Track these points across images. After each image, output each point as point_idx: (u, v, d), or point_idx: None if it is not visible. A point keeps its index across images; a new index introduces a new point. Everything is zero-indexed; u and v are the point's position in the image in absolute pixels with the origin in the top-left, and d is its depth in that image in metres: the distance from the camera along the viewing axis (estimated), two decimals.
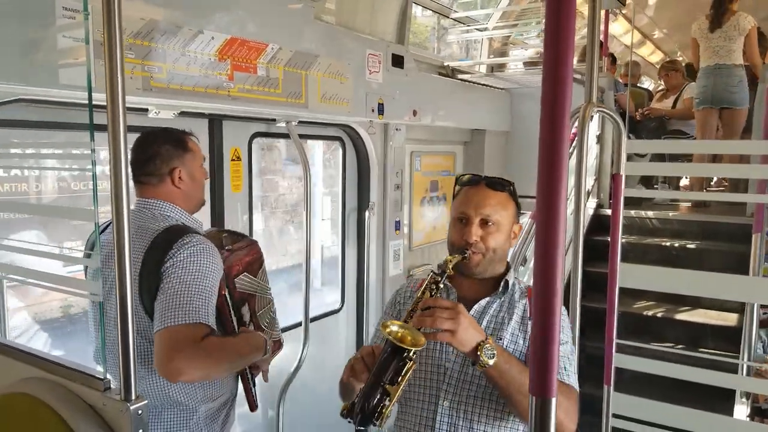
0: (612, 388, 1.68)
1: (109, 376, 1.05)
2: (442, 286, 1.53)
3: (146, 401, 1.00)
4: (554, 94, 0.83)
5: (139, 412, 0.99)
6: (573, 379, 1.57)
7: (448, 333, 1.37)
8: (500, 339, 1.59)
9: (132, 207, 1.75)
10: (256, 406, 2.10)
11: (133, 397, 1.00)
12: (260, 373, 2.12)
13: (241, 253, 2.03)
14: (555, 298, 0.83)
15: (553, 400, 0.75)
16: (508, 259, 1.74)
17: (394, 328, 1.35)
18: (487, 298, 1.65)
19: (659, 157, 5.31)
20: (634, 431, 1.38)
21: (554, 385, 0.75)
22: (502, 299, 1.66)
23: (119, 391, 1.00)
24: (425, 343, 1.34)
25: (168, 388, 1.72)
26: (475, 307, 1.64)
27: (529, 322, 1.61)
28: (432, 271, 1.57)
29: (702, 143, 3.75)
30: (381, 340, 1.59)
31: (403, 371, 1.33)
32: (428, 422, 1.58)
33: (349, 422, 1.34)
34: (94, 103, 1.10)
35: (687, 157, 5.87)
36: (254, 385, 2.07)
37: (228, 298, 1.90)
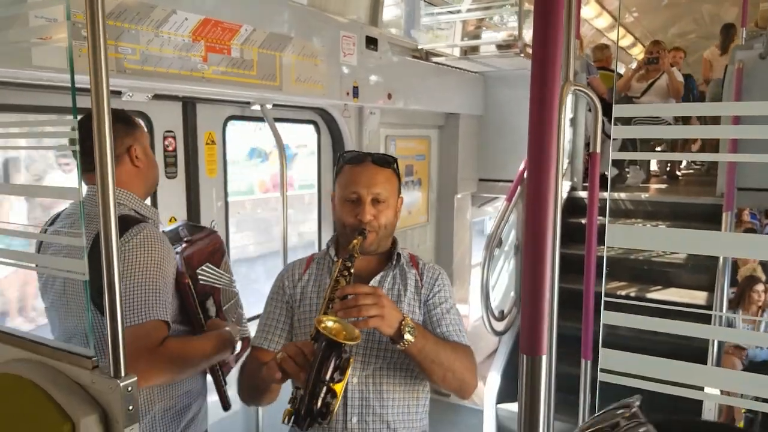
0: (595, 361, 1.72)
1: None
2: (352, 271, 1.52)
3: (135, 378, 0.99)
4: (543, 74, 0.84)
5: (129, 388, 0.98)
6: (466, 339, 1.64)
7: (377, 318, 1.36)
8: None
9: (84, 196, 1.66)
10: (229, 405, 2.00)
11: (123, 374, 0.99)
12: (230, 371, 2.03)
13: (202, 243, 1.94)
14: (543, 268, 0.85)
15: (543, 358, 0.79)
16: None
17: (330, 324, 1.30)
18: (381, 273, 1.68)
19: (631, 140, 5.42)
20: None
21: (543, 344, 0.79)
22: (394, 272, 1.70)
23: (108, 368, 0.99)
24: (360, 336, 1.32)
25: None
26: (372, 282, 1.66)
27: (422, 290, 1.68)
28: (339, 258, 1.58)
29: (677, 129, 3.84)
30: (283, 334, 1.66)
31: (344, 366, 1.30)
32: (341, 400, 1.57)
33: (291, 426, 1.29)
34: (64, 84, 1.07)
35: (657, 142, 6.01)
36: (226, 383, 1.97)
37: (192, 289, 1.80)
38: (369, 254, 1.67)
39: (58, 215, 1.82)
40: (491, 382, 4.01)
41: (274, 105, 3.20)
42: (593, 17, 8.63)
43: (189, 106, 2.91)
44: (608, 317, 1.04)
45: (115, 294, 0.97)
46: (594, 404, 1.82)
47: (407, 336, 1.40)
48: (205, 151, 3.02)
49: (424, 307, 1.67)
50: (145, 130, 1.92)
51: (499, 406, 3.94)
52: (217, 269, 1.95)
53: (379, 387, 1.60)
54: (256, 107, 3.13)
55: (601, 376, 1.09)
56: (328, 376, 1.26)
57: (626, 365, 1.03)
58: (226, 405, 2.00)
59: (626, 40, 11.54)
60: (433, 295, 1.68)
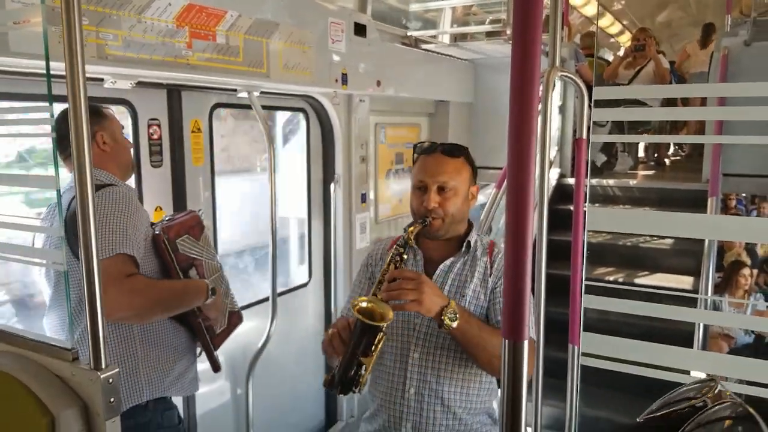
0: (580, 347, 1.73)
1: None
2: (405, 257, 1.63)
3: (117, 369, 0.98)
4: (524, 58, 0.84)
5: (110, 380, 0.97)
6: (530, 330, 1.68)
7: (414, 302, 1.49)
8: (463, 296, 1.72)
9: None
10: (219, 367, 2.14)
11: (103, 366, 0.97)
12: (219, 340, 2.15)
13: (179, 219, 2.10)
14: (525, 252, 0.84)
15: (525, 343, 0.79)
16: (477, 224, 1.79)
17: (363, 305, 1.47)
18: (452, 258, 1.77)
19: (618, 128, 5.43)
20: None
21: (525, 329, 0.79)
22: (465, 258, 1.77)
23: (88, 360, 0.98)
24: (393, 317, 1.46)
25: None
26: (441, 267, 1.76)
27: (489, 279, 1.75)
28: (396, 245, 1.67)
29: (663, 110, 3.85)
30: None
31: (375, 343, 1.46)
32: (401, 372, 1.72)
33: (332, 392, 1.48)
34: (43, 71, 1.05)
35: (645, 128, 6.03)
36: (215, 347, 2.11)
37: (170, 251, 1.94)
38: (437, 239, 1.76)
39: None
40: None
41: (262, 92, 3.16)
42: (582, 5, 8.61)
43: (174, 93, 2.87)
44: (589, 301, 1.05)
45: (94, 285, 0.95)
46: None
47: (447, 321, 1.52)
48: (191, 140, 2.98)
49: (491, 294, 1.74)
50: (116, 119, 2.10)
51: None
52: (196, 241, 2.08)
53: (437, 365, 1.70)
54: (243, 94, 3.09)
55: (583, 360, 1.09)
56: (359, 351, 1.44)
57: (608, 349, 1.04)
58: (215, 366, 2.13)
59: (614, 28, 11.53)
60: (500, 284, 1.73)
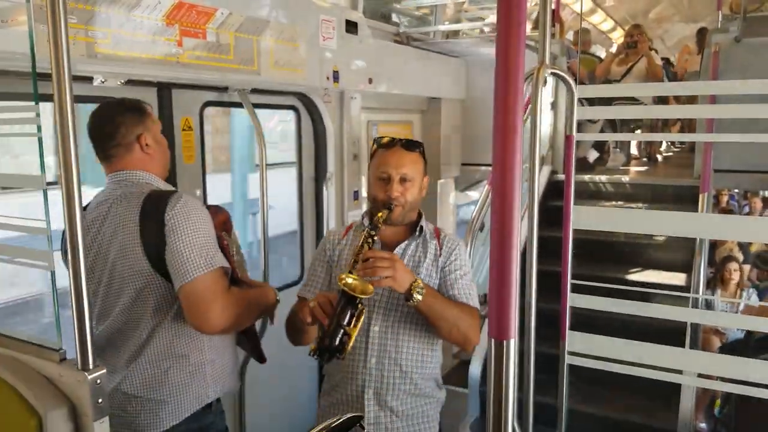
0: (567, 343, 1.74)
1: (64, 347, 1.02)
2: (376, 239, 1.83)
3: (104, 370, 0.97)
4: (507, 52, 0.84)
5: (98, 381, 0.96)
6: (474, 302, 1.93)
7: (389, 279, 1.67)
8: (418, 274, 1.88)
9: (107, 182, 1.81)
10: (265, 359, 2.16)
11: (91, 366, 0.97)
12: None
13: (215, 215, 2.05)
14: (510, 251, 0.84)
15: (512, 341, 0.79)
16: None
17: (349, 281, 1.62)
18: (406, 241, 1.97)
19: (611, 123, 5.44)
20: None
21: (512, 329, 0.79)
22: (418, 241, 1.98)
23: (76, 361, 0.97)
24: (373, 292, 1.64)
25: (174, 341, 1.77)
26: (397, 249, 1.94)
27: (440, 258, 1.96)
28: (365, 228, 1.86)
29: (652, 109, 3.86)
30: (323, 286, 1.96)
31: (357, 314, 1.64)
32: (362, 344, 1.88)
33: (316, 359, 1.63)
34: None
35: (637, 124, 6.04)
36: (261, 337, 2.14)
37: (228, 248, 1.95)
38: (396, 225, 1.95)
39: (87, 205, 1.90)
40: (474, 366, 4.04)
41: (253, 90, 3.15)
42: (573, 1, 8.62)
43: (164, 91, 2.85)
44: (574, 300, 1.05)
45: (81, 287, 0.95)
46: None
47: (416, 295, 1.71)
48: (182, 138, 2.97)
49: (441, 272, 1.94)
50: (155, 117, 1.99)
51: (483, 389, 3.97)
52: (230, 236, 2.08)
53: (396, 336, 1.89)
54: (234, 92, 3.08)
55: (570, 359, 1.10)
56: (344, 322, 1.60)
57: (594, 348, 1.04)
58: (262, 358, 2.15)
59: (607, 24, 11.55)
60: (449, 263, 1.95)
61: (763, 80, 1.26)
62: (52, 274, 1.05)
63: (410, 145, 1.96)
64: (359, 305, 1.64)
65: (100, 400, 0.97)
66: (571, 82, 1.76)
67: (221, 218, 2.07)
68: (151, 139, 1.88)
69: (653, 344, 1.10)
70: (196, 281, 1.62)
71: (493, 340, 0.80)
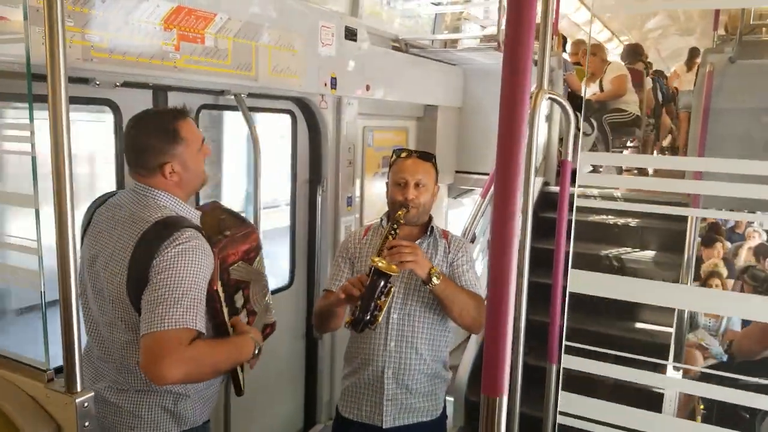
0: (561, 373, 1.75)
1: (51, 368, 1.01)
2: (399, 231, 2.12)
3: (92, 393, 0.97)
4: (513, 84, 0.85)
5: (85, 404, 0.96)
6: (480, 291, 2.23)
7: (412, 262, 1.97)
8: None
9: (131, 186, 1.75)
10: (242, 392, 2.07)
11: (78, 389, 0.96)
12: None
13: (239, 241, 1.97)
14: (507, 305, 0.85)
15: (504, 398, 0.79)
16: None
17: (380, 264, 1.87)
18: (419, 240, 2.24)
19: (603, 137, 5.47)
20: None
21: (504, 386, 0.79)
22: (429, 240, 2.28)
23: (64, 383, 0.97)
24: (399, 271, 1.93)
25: None
26: None
27: (449, 255, 2.26)
28: (389, 223, 2.17)
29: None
30: (348, 275, 2.24)
31: (387, 290, 1.91)
32: (383, 330, 2.16)
33: (351, 330, 1.93)
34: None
35: (630, 137, 6.07)
36: (242, 370, 2.03)
37: (220, 291, 1.82)
38: (411, 225, 2.24)
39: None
40: (461, 374, 4.06)
41: (249, 94, 3.14)
42: (572, 12, 8.65)
43: (160, 94, 2.84)
44: (568, 361, 1.05)
45: (71, 309, 0.94)
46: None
47: (434, 279, 2.00)
48: None
49: (450, 267, 2.24)
50: (196, 136, 1.86)
51: (473, 399, 3.99)
52: (249, 266, 2.02)
53: (412, 323, 2.18)
54: (230, 96, 3.06)
55: (560, 419, 1.10)
56: (376, 295, 1.87)
57: (587, 410, 1.05)
58: (239, 390, 2.05)
59: (603, 35, 11.59)
60: (457, 258, 2.25)
61: (750, 161, 1.29)
62: (41, 294, 1.05)
63: (425, 156, 2.28)
64: (389, 284, 1.90)
65: (86, 423, 0.96)
66: (569, 110, 1.77)
67: (244, 247, 1.98)
68: (178, 166, 1.77)
69: (655, 413, 1.11)
70: (155, 335, 1.50)
71: (486, 397, 0.80)
